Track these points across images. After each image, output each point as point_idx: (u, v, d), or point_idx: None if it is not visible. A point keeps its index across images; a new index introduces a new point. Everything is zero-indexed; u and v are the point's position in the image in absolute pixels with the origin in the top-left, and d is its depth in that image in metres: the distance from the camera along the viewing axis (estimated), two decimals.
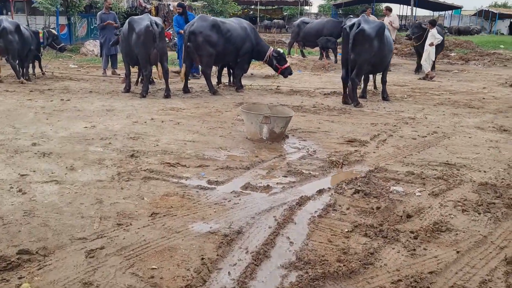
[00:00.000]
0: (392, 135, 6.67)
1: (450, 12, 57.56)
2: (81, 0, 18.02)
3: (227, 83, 11.06)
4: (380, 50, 8.50)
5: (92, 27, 20.88)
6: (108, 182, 4.53)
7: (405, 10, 59.06)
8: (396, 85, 11.45)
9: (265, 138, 6.15)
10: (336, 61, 15.91)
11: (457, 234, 3.58)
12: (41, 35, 11.57)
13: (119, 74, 12.07)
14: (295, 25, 17.16)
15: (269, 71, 12.67)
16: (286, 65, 10.17)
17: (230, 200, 4.16)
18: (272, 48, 10.14)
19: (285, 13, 60.85)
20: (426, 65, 12.62)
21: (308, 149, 5.92)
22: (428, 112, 8.33)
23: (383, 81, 9.35)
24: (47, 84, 10.76)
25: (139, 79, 10.43)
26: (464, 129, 7.11)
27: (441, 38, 13.00)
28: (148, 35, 8.55)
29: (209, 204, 4.06)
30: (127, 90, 9.58)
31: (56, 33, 12.67)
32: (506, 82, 12.31)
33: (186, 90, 9.76)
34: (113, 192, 4.27)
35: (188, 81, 9.90)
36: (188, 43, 9.30)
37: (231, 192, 4.34)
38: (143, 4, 22.64)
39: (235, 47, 9.71)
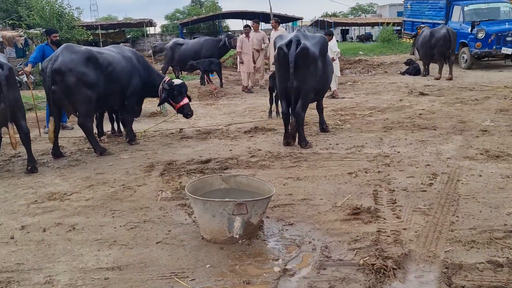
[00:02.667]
0: (393, 190, 4.81)
1: (290, 24, 60.37)
2: None
3: (110, 132, 8.19)
4: (324, 72, 6.68)
5: None
6: None
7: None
8: (312, 108, 9.78)
9: (237, 236, 3.74)
10: (222, 85, 13.86)
11: None
12: None
13: None
14: (168, 48, 14.66)
15: (155, 106, 10.08)
16: (184, 101, 7.38)
17: None
18: (166, 77, 7.53)
19: (128, 36, 57.12)
20: (332, 83, 11.23)
21: (311, 243, 3.71)
22: (390, 142, 6.71)
23: (320, 109, 7.54)
24: None
25: None
26: (456, 164, 5.60)
27: (339, 50, 11.81)
28: None
29: None
30: None
31: None
32: (412, 91, 11.59)
33: (57, 153, 6.72)
34: None
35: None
36: (53, 87, 6.32)
37: None
38: None
39: (121, 85, 6.99)
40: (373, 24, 57.27)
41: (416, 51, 15.61)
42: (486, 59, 16.31)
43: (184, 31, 56.06)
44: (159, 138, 7.79)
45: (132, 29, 57.60)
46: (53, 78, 6.29)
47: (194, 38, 59.38)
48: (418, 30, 16.43)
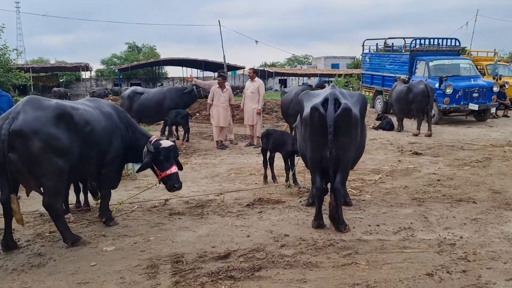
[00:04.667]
0: None
1: (229, 72, 60.27)
2: None
3: (75, 205, 6.40)
4: (362, 138, 5.50)
5: None
6: None
7: (193, 72, 59.60)
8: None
9: None
10: (188, 140, 12.35)
11: None
12: None
13: None
14: (125, 97, 12.97)
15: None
16: (171, 169, 5.66)
17: None
18: (152, 138, 5.95)
19: (61, 80, 53.88)
20: None
21: None
22: (439, 222, 5.54)
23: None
24: None
25: None
26: None
27: None
28: None
29: None
30: None
31: None
32: (402, 150, 10.78)
33: (10, 244, 4.88)
34: None
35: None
36: (10, 154, 4.57)
37: None
38: None
39: (100, 150, 5.36)
40: (310, 75, 58.74)
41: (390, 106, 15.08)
42: (452, 114, 16.27)
43: (121, 77, 54.02)
44: (141, 215, 6.13)
45: (65, 72, 54.55)
46: (11, 143, 4.55)
47: (131, 84, 57.36)
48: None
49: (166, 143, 5.74)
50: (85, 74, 54.43)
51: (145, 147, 5.72)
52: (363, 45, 20.85)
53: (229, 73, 59.15)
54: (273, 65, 74.53)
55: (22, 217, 4.83)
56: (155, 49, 71.46)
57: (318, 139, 5.06)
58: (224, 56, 29.92)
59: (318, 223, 5.32)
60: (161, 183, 5.80)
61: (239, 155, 10.80)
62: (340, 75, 44.76)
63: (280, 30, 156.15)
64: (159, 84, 46.51)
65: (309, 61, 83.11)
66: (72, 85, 55.24)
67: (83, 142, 5.05)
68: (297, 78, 59.90)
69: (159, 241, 5.09)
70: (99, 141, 5.29)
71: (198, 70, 57.61)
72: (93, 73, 58.15)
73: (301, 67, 78.73)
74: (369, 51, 20.74)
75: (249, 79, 11.92)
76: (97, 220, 5.90)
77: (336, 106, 4.96)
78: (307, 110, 5.13)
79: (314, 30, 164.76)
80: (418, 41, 18.13)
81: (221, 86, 11.55)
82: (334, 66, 69.54)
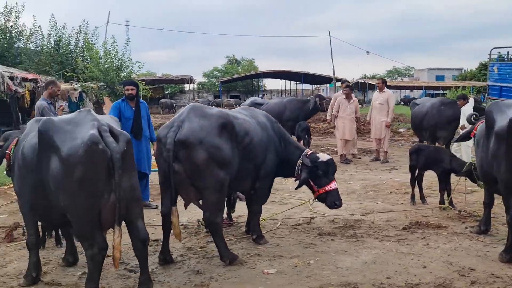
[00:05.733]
0: None
1: (326, 85, 59.37)
2: None
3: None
4: None
5: None
6: None
7: (288, 84, 59.79)
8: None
9: None
10: None
11: None
12: None
13: None
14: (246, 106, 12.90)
15: None
16: (331, 185, 5.21)
17: None
18: (307, 151, 5.53)
19: (166, 92, 56.78)
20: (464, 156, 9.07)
21: None
22: None
23: None
24: None
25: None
26: None
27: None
28: (96, 159, 3.48)
29: None
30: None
31: None
32: None
33: (167, 258, 4.69)
34: None
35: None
36: (175, 165, 4.38)
37: None
38: (13, 88, 16.51)
39: (256, 163, 5.03)
40: (413, 88, 55.88)
41: None
42: None
43: (221, 89, 55.70)
44: (288, 233, 5.70)
45: (169, 85, 57.33)
46: (176, 153, 4.36)
47: (230, 95, 58.52)
48: None
49: (324, 156, 5.27)
50: (188, 86, 56.88)
51: (299, 161, 5.29)
52: (490, 54, 19.09)
53: (327, 85, 58.48)
54: (373, 77, 72.30)
55: (180, 231, 4.62)
56: (254, 62, 72.85)
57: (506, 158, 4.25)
58: (333, 68, 29.20)
59: (510, 257, 4.48)
60: (318, 200, 5.33)
61: (367, 170, 10.09)
62: (445, 88, 41.93)
63: (377, 41, 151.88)
64: (260, 96, 47.19)
65: (411, 73, 79.61)
66: (175, 97, 57.90)
67: (242, 153, 4.76)
68: (399, 90, 57.41)
69: (320, 265, 4.59)
70: (256, 154, 4.97)
71: (297, 83, 57.65)
72: (195, 86, 60.60)
73: (402, 79, 75.56)
74: (497, 60, 18.93)
75: (377, 90, 11.19)
76: (244, 237, 5.57)
77: None
78: (503, 122, 4.35)
79: (411, 41, 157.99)
80: None
81: (348, 97, 10.95)
82: (439, 78, 65.80)
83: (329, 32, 28.89)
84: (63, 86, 18.80)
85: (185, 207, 4.84)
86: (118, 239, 3.54)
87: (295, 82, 58.56)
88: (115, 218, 3.54)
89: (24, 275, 4.27)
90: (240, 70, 66.81)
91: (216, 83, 60.55)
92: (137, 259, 3.94)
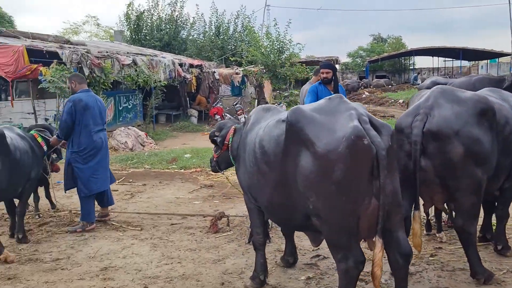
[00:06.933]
0: None
1: (485, 61, 53.03)
2: (108, 74, 12.69)
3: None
4: None
5: (121, 108, 15.54)
6: None
7: (438, 61, 54.88)
8: None
9: None
10: None
11: None
12: (39, 139, 5.85)
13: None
14: (425, 88, 11.60)
15: None
16: None
17: None
18: None
19: (310, 74, 56.34)
20: None
21: None
22: None
23: None
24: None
25: None
26: None
27: None
28: (361, 157, 2.88)
29: None
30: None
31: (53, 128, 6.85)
32: None
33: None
34: None
35: None
36: (423, 160, 3.62)
37: None
38: (182, 74, 17.45)
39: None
40: None
41: None
42: None
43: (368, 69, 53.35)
44: None
45: (314, 67, 56.76)
46: (425, 146, 3.59)
47: (376, 75, 55.78)
48: None
49: None
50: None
51: None
52: None
53: (487, 61, 51.99)
54: None
55: (422, 240, 3.86)
56: (401, 39, 68.34)
57: None
58: None
59: None
60: None
61: None
62: None
63: None
64: (414, 75, 44.22)
65: None
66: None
67: (502, 147, 3.80)
68: None
69: None
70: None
71: (453, 60, 52.56)
72: (339, 67, 59.12)
73: None
74: None
75: None
76: (480, 244, 4.61)
77: None
78: None
79: None
80: None
81: None
82: None
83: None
84: (226, 71, 19.39)
85: (424, 211, 4.07)
86: (380, 253, 2.93)
87: (447, 60, 53.38)
88: (377, 227, 2.92)
89: (251, 276, 3.96)
90: (387, 48, 63.26)
91: (361, 63, 58.19)
92: (394, 279, 3.29)
